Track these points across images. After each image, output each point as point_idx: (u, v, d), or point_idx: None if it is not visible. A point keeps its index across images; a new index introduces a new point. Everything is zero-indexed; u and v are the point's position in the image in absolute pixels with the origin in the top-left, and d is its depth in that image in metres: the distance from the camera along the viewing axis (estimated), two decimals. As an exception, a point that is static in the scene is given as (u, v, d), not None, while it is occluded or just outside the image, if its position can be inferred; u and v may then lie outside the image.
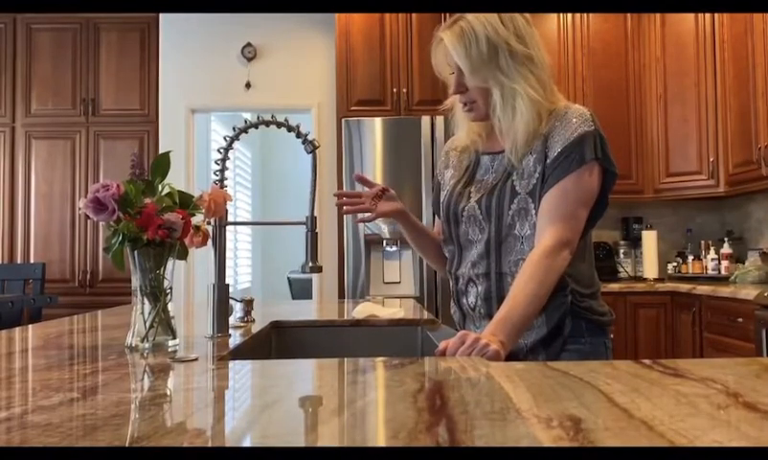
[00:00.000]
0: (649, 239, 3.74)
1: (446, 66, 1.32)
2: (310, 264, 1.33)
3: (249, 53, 4.11)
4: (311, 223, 1.34)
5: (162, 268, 1.21)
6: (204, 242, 1.31)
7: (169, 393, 0.80)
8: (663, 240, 3.83)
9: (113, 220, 1.15)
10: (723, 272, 3.53)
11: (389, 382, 0.82)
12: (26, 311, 3.20)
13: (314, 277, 4.02)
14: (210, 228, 1.33)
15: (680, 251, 3.88)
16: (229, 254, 5.36)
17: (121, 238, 1.15)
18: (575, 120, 1.26)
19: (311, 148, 1.36)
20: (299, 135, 1.37)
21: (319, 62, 4.11)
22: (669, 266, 3.81)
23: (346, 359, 1.04)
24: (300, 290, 4.87)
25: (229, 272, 5.34)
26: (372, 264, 3.31)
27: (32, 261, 3.85)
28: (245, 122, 1.39)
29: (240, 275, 5.70)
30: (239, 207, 5.67)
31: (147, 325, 1.18)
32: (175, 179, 4.21)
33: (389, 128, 3.46)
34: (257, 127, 1.37)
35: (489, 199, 1.30)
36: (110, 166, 3.97)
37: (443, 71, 1.34)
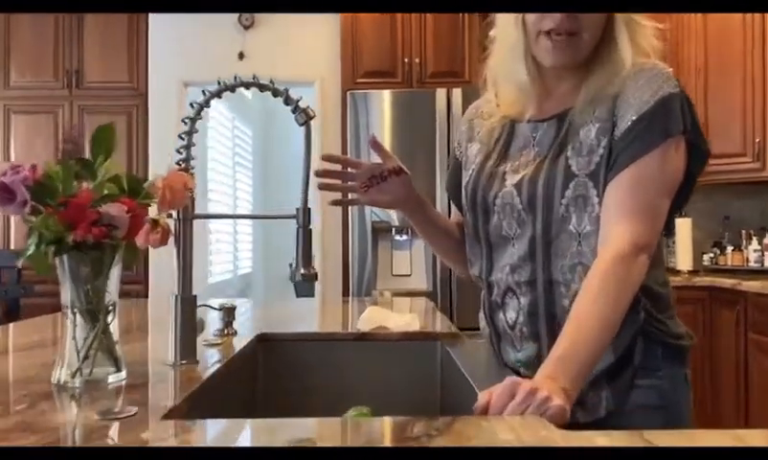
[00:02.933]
0: (684, 227, 3.40)
1: None
2: (302, 271, 1.02)
3: (246, 20, 3.76)
4: (303, 217, 1.03)
5: (101, 278, 0.90)
6: (164, 241, 0.99)
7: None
8: (697, 227, 3.49)
9: (27, 213, 0.84)
10: (767, 264, 3.20)
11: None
12: (2, 304, 2.92)
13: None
14: (172, 222, 1.02)
15: (716, 241, 3.55)
16: (228, 238, 5.05)
17: (38, 238, 0.84)
18: (655, 78, 0.93)
19: (304, 118, 1.05)
20: (287, 102, 1.05)
21: (323, 30, 3.75)
22: (705, 257, 3.48)
23: (348, 425, 0.73)
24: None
25: (228, 257, 5.05)
26: (379, 255, 2.99)
27: (12, 247, 3.57)
28: (226, 85, 1.07)
29: (241, 261, 5.41)
30: (239, 188, 5.35)
31: (81, 355, 0.88)
32: (166, 160, 3.86)
33: (399, 103, 3.11)
34: (233, 91, 1.06)
35: (533, 183, 0.98)
36: (96, 143, 3.65)
37: None
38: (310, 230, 1.04)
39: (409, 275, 2.94)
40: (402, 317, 1.46)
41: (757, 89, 3.15)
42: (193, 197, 1.03)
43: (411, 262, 2.95)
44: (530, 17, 0.97)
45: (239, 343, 1.26)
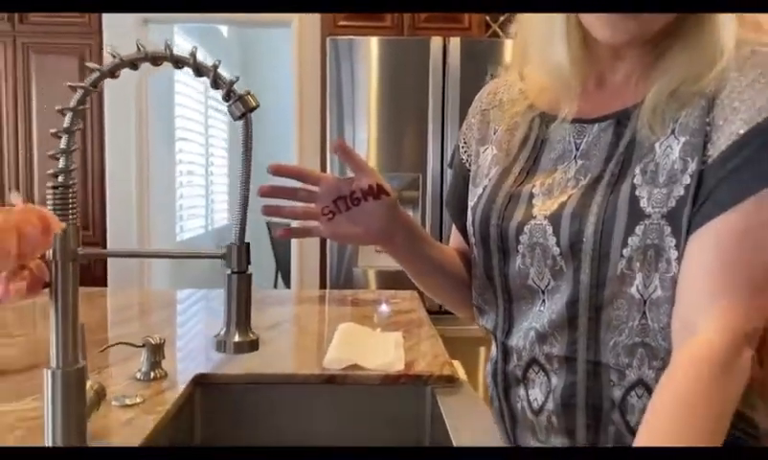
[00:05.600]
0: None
1: None
2: (236, 339, 0.70)
3: (215, -52, 3.29)
4: (239, 258, 0.70)
5: None
6: (34, 290, 0.68)
7: None
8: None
9: None
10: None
11: None
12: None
13: (293, 243, 3.38)
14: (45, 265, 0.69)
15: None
16: (200, 191, 4.69)
17: None
18: None
19: (241, 110, 0.71)
20: (216, 85, 0.71)
21: (302, -37, 3.29)
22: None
23: None
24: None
25: (201, 211, 4.71)
26: (361, 229, 2.67)
27: (-51, 202, 3.20)
28: (123, 59, 0.71)
29: (216, 213, 5.07)
30: (213, 135, 4.96)
31: None
32: (125, 112, 3.42)
33: (388, 52, 2.71)
34: (134, 67, 0.71)
35: (579, 218, 0.66)
36: (43, 85, 3.23)
37: None
38: (249, 275, 0.72)
39: (394, 252, 2.63)
40: (383, 348, 1.16)
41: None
42: (76, 227, 0.69)
43: (397, 238, 2.64)
44: None
45: (170, 389, 0.97)
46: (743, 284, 0.58)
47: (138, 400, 0.92)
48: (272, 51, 5.03)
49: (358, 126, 2.71)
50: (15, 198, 0.60)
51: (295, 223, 1.72)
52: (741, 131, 0.60)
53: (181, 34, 4.10)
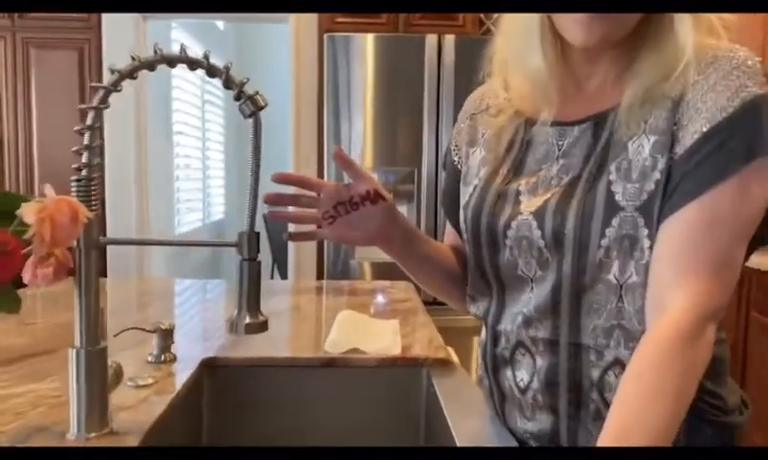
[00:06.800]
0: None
1: None
2: (247, 321, 0.76)
3: (213, -56, 3.32)
4: (249, 246, 0.76)
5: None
6: (60, 276, 0.73)
7: None
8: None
9: None
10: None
11: None
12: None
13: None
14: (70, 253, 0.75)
15: None
16: (197, 184, 4.73)
17: None
18: (733, 72, 0.67)
19: (251, 108, 0.76)
20: (228, 85, 0.76)
21: (299, -41, 3.33)
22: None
23: None
24: (276, 230, 4.31)
25: (198, 204, 4.75)
26: (358, 222, 2.72)
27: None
28: (142, 61, 0.77)
29: (213, 206, 5.12)
30: (211, 129, 5.00)
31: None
32: (123, 107, 3.46)
33: (383, 48, 2.76)
34: (151, 68, 0.77)
35: (561, 213, 0.73)
36: (43, 80, 3.26)
37: None
38: (259, 262, 0.78)
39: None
40: (381, 333, 1.22)
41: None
42: (97, 215, 0.75)
43: (393, 230, 2.70)
44: None
45: (180, 372, 1.03)
46: (706, 266, 0.65)
47: (150, 381, 0.97)
48: (268, 46, 5.07)
49: (354, 121, 2.77)
50: (49, 191, 0.65)
51: (292, 227, 1.79)
52: (704, 130, 0.66)
53: (179, 28, 4.14)
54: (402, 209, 2.71)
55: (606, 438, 0.60)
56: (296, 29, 3.31)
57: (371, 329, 1.26)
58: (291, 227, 1.88)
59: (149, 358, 1.06)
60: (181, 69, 4.16)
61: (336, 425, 1.11)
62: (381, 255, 2.62)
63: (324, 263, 2.82)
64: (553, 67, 0.75)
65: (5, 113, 3.29)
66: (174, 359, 1.07)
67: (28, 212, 0.63)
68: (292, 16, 3.31)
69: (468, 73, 0.92)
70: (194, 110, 4.58)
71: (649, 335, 0.65)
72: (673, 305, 0.64)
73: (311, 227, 0.88)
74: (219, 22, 4.93)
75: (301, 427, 1.11)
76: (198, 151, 4.70)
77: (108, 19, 3.26)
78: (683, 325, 0.63)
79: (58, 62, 3.23)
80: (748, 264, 2.43)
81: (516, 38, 0.78)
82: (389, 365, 1.12)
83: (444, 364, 1.12)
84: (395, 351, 1.14)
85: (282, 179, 0.84)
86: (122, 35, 3.28)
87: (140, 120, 3.44)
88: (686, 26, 0.69)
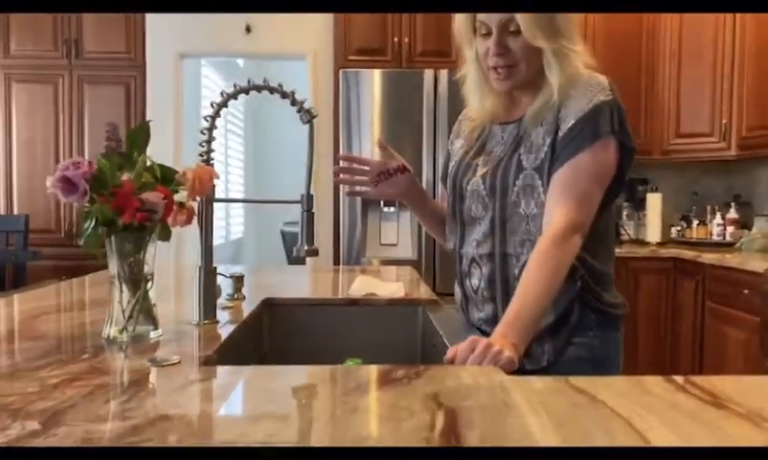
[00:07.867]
0: (654, 202, 3.63)
1: (471, 30, 1.18)
2: (306, 248, 1.22)
3: (241, -6, 3.86)
4: (307, 202, 1.22)
5: (142, 253, 1.09)
6: (189, 221, 1.19)
7: (142, 424, 0.69)
8: (666, 202, 3.73)
9: (86, 202, 1.02)
10: (728, 238, 3.45)
11: (395, 413, 0.72)
12: (9, 268, 3.08)
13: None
14: (195, 204, 1.20)
15: (684, 214, 3.79)
16: (220, 205, 5.21)
17: (94, 222, 1.03)
18: (590, 89, 1.14)
19: (308, 117, 1.23)
20: (294, 103, 1.23)
21: (315, 6, 3.87)
22: (673, 230, 3.72)
23: (342, 370, 0.94)
24: (293, 243, 4.78)
25: (220, 223, 5.22)
26: (368, 226, 3.19)
27: (15, 213, 3.71)
28: (241, 88, 1.24)
29: (233, 226, 5.59)
30: (231, 156, 5.50)
31: (126, 315, 1.08)
32: (163, 130, 4.00)
33: (389, 82, 3.28)
34: (247, 93, 1.24)
35: (494, 174, 1.20)
36: (95, 112, 3.78)
37: (465, 35, 1.20)
38: (313, 213, 1.23)
39: (396, 245, 3.15)
40: (389, 286, 1.67)
41: (726, 74, 3.35)
42: (215, 185, 1.21)
43: (398, 232, 3.16)
44: (481, 55, 1.18)
45: (248, 306, 1.47)
46: (574, 198, 1.11)
47: (230, 305, 1.42)
48: (286, 81, 5.58)
49: (363, 142, 3.25)
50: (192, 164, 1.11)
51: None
52: (571, 123, 1.13)
53: (208, 66, 4.67)
54: (404, 216, 3.19)
55: (516, 294, 1.05)
56: (313, 66, 3.82)
57: (381, 284, 1.71)
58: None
59: (226, 296, 1.50)
60: (207, 101, 4.67)
61: (357, 344, 1.55)
62: (388, 255, 3.19)
63: (340, 262, 3.27)
64: (493, 100, 1.24)
65: (61, 141, 3.79)
66: (244, 298, 1.52)
67: (187, 172, 1.08)
68: (310, 54, 3.82)
69: (459, 101, 1.37)
70: (219, 138, 5.09)
71: (539, 240, 1.10)
72: (553, 221, 1.10)
73: (364, 188, 1.36)
74: (240, 60, 5.48)
75: (331, 347, 1.54)
76: (222, 175, 5.19)
77: (151, 58, 3.78)
78: (557, 231, 1.08)
79: (109, 96, 3.75)
80: (702, 259, 2.98)
81: (471, 86, 1.26)
82: (396, 303, 1.57)
83: (435, 303, 1.56)
84: (401, 294, 1.59)
85: (345, 158, 1.35)
86: (162, 72, 3.80)
87: (177, 148, 3.93)
88: (554, 75, 1.15)
